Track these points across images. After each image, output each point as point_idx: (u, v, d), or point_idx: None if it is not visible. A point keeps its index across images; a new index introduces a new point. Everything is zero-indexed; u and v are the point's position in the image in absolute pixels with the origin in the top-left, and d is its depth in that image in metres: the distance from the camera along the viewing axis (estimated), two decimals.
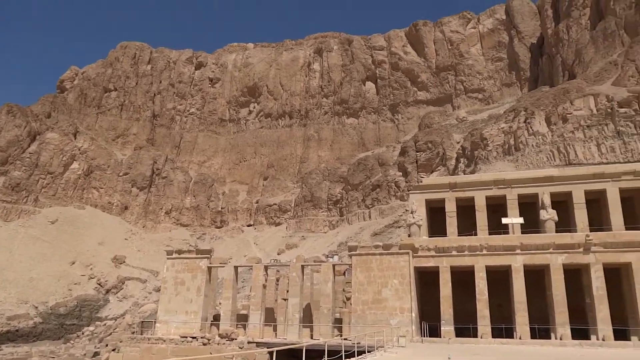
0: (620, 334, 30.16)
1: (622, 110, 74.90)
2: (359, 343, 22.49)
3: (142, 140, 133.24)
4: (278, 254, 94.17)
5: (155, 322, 38.29)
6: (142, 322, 42.17)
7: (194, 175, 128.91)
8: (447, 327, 31.99)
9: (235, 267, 39.41)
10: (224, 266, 39.40)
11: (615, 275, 32.66)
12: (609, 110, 75.92)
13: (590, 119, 76.26)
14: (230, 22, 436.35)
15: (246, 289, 65.06)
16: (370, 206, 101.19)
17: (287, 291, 37.61)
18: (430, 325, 32.76)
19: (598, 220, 33.89)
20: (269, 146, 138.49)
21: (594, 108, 77.44)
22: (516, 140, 79.93)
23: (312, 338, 33.43)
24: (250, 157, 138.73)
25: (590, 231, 32.08)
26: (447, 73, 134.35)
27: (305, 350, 14.19)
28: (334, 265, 36.99)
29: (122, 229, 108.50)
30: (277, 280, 42.56)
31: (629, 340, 29.65)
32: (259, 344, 32.46)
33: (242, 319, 37.93)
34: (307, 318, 36.64)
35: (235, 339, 33.22)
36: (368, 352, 21.31)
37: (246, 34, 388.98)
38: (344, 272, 41.29)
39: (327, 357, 17.11)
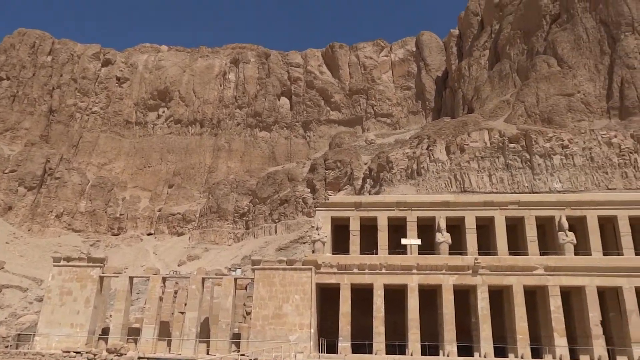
0: (500, 352, 32.59)
1: (512, 145, 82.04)
2: (256, 359, 22.18)
3: (35, 136, 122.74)
4: (179, 266, 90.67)
5: (34, 335, 34.98)
6: (19, 334, 38.30)
7: (91, 178, 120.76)
8: (345, 343, 32.59)
9: (131, 278, 37.30)
10: (117, 276, 37.13)
11: (499, 296, 35.34)
12: (501, 144, 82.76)
13: (484, 151, 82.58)
14: (143, 21, 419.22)
15: (141, 301, 61.71)
16: (277, 221, 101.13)
17: (185, 304, 36.24)
18: (328, 341, 33.18)
19: (486, 244, 36.60)
20: (177, 153, 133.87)
21: (488, 141, 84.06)
22: (419, 165, 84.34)
23: (208, 354, 32.40)
24: (156, 163, 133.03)
25: (479, 255, 34.53)
26: (359, 96, 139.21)
27: None
28: (236, 279, 36.33)
29: (4, 232, 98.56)
30: (176, 292, 40.88)
31: (507, 357, 32.11)
32: None
33: (134, 333, 35.85)
34: (205, 333, 35.52)
35: (125, 354, 31.29)
36: None
37: (159, 35, 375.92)
38: (246, 287, 40.69)
39: None
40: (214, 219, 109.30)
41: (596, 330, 32.19)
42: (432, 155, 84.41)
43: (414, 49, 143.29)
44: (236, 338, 34.49)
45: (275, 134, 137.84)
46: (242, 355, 25.11)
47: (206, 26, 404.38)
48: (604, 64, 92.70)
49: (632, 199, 36.94)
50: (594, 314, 32.46)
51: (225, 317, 33.96)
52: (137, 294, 66.44)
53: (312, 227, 42.73)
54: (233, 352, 31.62)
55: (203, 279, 36.13)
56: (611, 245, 35.81)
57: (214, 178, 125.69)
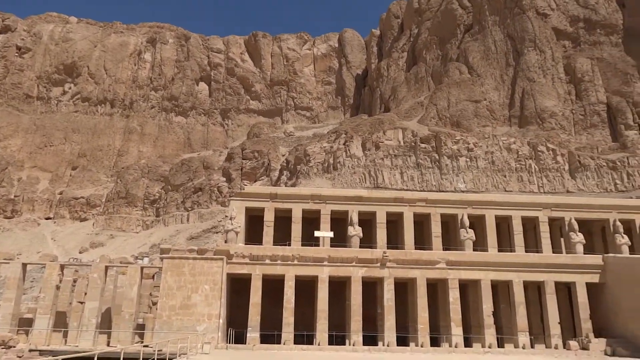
0: (402, 340, 34.26)
1: (423, 145, 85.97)
2: (161, 350, 21.52)
3: None
4: (80, 253, 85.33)
5: None
6: None
7: None
8: (253, 333, 32.54)
9: (24, 265, 34.54)
10: (8, 262, 34.21)
11: (404, 288, 37.07)
12: (413, 144, 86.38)
13: (398, 150, 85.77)
14: None
15: (36, 290, 57.36)
16: (189, 209, 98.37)
17: (86, 294, 34.24)
18: (237, 332, 32.94)
19: (395, 239, 38.20)
20: (83, 133, 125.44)
21: (402, 140, 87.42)
22: (335, 160, 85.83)
23: (108, 345, 30.88)
24: (59, 143, 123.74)
25: (388, 248, 35.95)
26: (280, 87, 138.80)
27: (98, 358, 13.03)
28: (142, 268, 34.91)
29: None
30: (75, 281, 38.48)
31: (408, 345, 33.82)
32: (42, 352, 28.82)
33: (26, 324, 33.27)
34: (106, 324, 33.81)
35: (14, 347, 28.96)
36: (170, 359, 20.49)
37: (68, 5, 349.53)
38: (154, 276, 39.25)
39: None
40: (121, 205, 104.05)
41: (488, 320, 34.83)
42: (349, 150, 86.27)
43: (337, 45, 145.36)
44: (140, 329, 33.21)
45: (192, 120, 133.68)
46: (146, 346, 24.21)
47: (121, 0, 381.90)
48: (509, 75, 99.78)
49: (525, 201, 40.30)
50: (487, 306, 35.08)
51: (129, 308, 32.55)
52: (32, 282, 61.72)
53: (226, 216, 42.09)
54: (136, 343, 30.40)
55: (106, 267, 34.33)
56: (505, 242, 38.85)
57: (123, 162, 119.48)
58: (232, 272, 33.84)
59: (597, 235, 41.01)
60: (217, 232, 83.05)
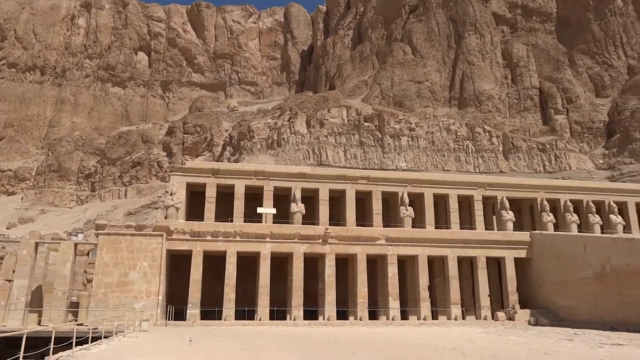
0: (342, 314, 35.14)
1: (367, 124, 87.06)
2: (96, 329, 20.91)
3: None
4: (7, 229, 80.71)
5: None
6: None
7: None
8: (194, 310, 32.27)
9: None
10: None
11: (344, 264, 37.85)
12: (357, 122, 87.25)
13: (342, 128, 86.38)
14: None
15: None
16: (127, 184, 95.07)
17: (14, 271, 32.54)
18: (177, 309, 32.54)
19: (337, 216, 38.75)
20: (10, 102, 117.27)
21: (346, 118, 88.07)
22: (279, 136, 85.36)
23: (40, 324, 29.64)
24: None
25: (330, 225, 36.45)
26: (224, 61, 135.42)
27: (28, 338, 12.48)
28: (76, 244, 33.53)
29: None
30: (2, 258, 36.42)
31: (347, 319, 34.75)
32: None
33: None
34: (37, 302, 32.35)
35: None
36: (105, 337, 19.97)
37: None
38: (88, 253, 37.82)
39: (58, 345, 15.42)
40: (53, 179, 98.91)
41: (424, 294, 36.34)
42: (293, 127, 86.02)
43: (282, 20, 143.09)
44: (74, 307, 32.05)
45: (130, 91, 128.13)
46: (80, 324, 23.44)
47: None
48: (450, 58, 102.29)
49: (462, 180, 41.94)
50: (423, 280, 36.55)
51: (62, 285, 31.28)
52: None
53: (166, 192, 41.02)
54: (70, 322, 29.36)
55: (37, 244, 32.69)
56: (442, 219, 40.40)
57: (55, 133, 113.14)
58: (172, 248, 33.21)
59: (526, 213, 43.46)
60: (156, 208, 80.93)
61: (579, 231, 40.00)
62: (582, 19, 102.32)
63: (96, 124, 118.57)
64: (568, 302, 34.66)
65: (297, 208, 36.33)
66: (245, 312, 33.71)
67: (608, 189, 44.28)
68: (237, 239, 34.21)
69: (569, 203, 41.20)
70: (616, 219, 41.17)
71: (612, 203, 41.96)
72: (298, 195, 36.68)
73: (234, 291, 33.27)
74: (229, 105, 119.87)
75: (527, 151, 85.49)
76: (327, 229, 35.50)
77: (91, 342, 18.20)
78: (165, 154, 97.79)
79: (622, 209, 42.57)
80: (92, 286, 31.36)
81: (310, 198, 38.53)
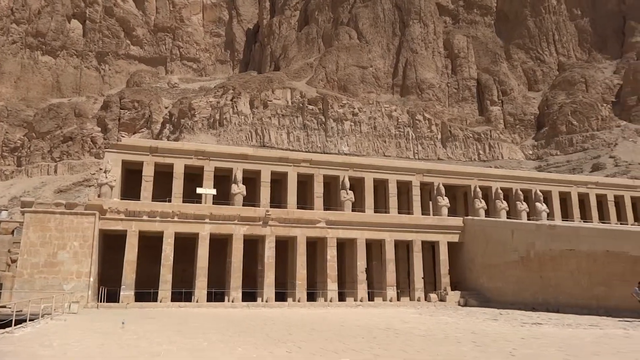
0: (281, 296, 35.38)
1: (310, 107, 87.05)
2: (20, 311, 19.85)
3: None
4: None
5: None
6: None
7: None
8: (128, 292, 31.37)
9: None
10: None
11: (284, 246, 38.00)
12: (301, 105, 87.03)
13: (286, 110, 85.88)
14: None
15: None
16: (58, 159, 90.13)
17: None
18: (111, 290, 31.48)
19: (278, 198, 38.72)
20: None
21: (290, 100, 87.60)
22: (222, 116, 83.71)
23: None
24: None
25: (271, 207, 36.37)
26: (165, 34, 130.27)
27: None
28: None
29: None
30: None
31: (286, 301, 35.04)
32: None
33: None
34: None
35: None
36: (31, 320, 19.01)
37: None
38: (13, 231, 35.67)
39: None
40: None
41: (361, 276, 37.22)
42: (236, 107, 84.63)
43: None
44: None
45: (62, 61, 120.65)
46: (2, 307, 22.18)
47: None
48: (394, 45, 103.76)
49: (401, 166, 43.02)
50: (361, 263, 37.40)
51: None
52: None
53: (100, 169, 39.26)
54: None
55: None
56: (381, 204, 41.34)
57: None
58: (106, 228, 31.99)
59: (460, 199, 45.32)
60: (89, 186, 77.41)
61: (507, 218, 42.21)
62: (519, 15, 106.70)
63: (23, 95, 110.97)
64: (495, 284, 36.67)
65: (238, 189, 35.94)
66: (182, 294, 33.17)
67: (535, 178, 46.93)
68: (175, 219, 33.43)
69: (499, 191, 43.32)
70: (541, 206, 43.77)
71: (538, 192, 44.54)
72: (239, 176, 36.25)
73: (170, 272, 32.61)
74: (170, 81, 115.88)
75: (463, 140, 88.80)
76: (267, 211, 35.41)
77: (15, 325, 17.28)
78: (99, 129, 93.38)
79: (547, 198, 45.33)
80: (16, 267, 29.67)
81: (251, 179, 38.21)
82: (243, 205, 35.85)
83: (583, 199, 47.21)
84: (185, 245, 35.53)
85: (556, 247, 31.42)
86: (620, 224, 45.54)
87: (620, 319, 23.63)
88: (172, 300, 32.31)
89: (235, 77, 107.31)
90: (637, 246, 26.11)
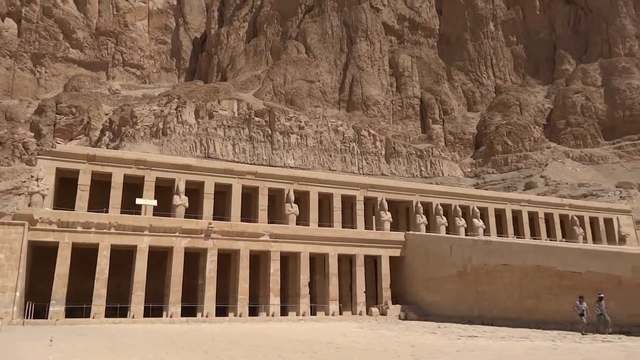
0: (222, 311, 34.63)
1: (257, 119, 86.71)
2: None
3: None
4: None
5: None
6: None
7: None
8: (58, 307, 29.65)
9: None
10: None
11: (227, 259, 37.33)
12: (247, 116, 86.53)
13: (232, 121, 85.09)
14: None
15: None
16: None
17: None
18: (40, 306, 29.63)
19: (222, 210, 38.09)
20: None
21: (236, 112, 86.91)
22: (165, 125, 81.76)
23: None
24: None
25: (214, 220, 35.70)
26: (107, 39, 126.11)
27: None
28: None
29: None
30: None
31: (227, 316, 34.34)
32: None
33: None
34: None
35: None
36: None
37: None
38: None
39: None
40: None
41: (304, 290, 37.13)
42: (181, 116, 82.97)
43: (175, 3, 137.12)
44: None
45: None
46: None
47: None
48: (342, 61, 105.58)
49: (346, 181, 43.56)
50: (304, 277, 37.33)
51: None
52: None
53: (32, 177, 37.15)
54: None
55: None
56: (326, 218, 41.60)
57: None
58: (36, 239, 30.19)
59: (402, 214, 46.38)
60: (19, 194, 73.00)
61: (447, 233, 43.60)
62: (460, 39, 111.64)
63: None
64: (434, 298, 37.63)
65: (180, 201, 35.06)
66: (117, 309, 31.77)
67: (473, 195, 48.86)
68: (112, 231, 32.08)
69: (439, 207, 44.71)
70: (478, 222, 45.56)
71: (475, 208, 46.37)
72: (182, 187, 35.40)
73: (105, 287, 31.17)
74: (111, 87, 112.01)
75: (406, 156, 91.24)
76: (210, 223, 34.73)
77: None
78: (32, 134, 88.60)
79: (484, 214, 47.24)
80: None
81: (194, 191, 37.41)
82: (185, 217, 34.98)
83: (516, 216, 49.56)
84: (122, 258, 34.13)
85: (491, 262, 32.72)
86: (550, 240, 48.13)
87: (550, 331, 24.87)
88: (106, 316, 30.87)
89: (180, 85, 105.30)
90: (564, 261, 27.65)
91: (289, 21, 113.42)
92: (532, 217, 50.39)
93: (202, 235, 34.52)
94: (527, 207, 50.09)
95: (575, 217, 51.77)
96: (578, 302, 23.76)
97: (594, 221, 53.49)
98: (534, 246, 31.53)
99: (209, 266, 34.33)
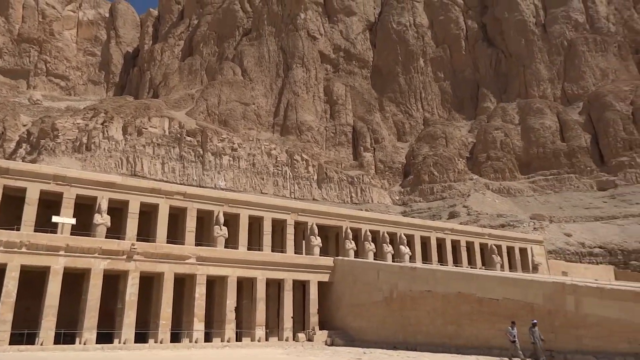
0: (141, 337, 32.86)
1: (189, 138, 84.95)
2: None
3: None
4: None
5: None
6: None
7: None
8: None
9: None
10: None
11: (149, 283, 35.68)
12: (179, 135, 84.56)
13: (162, 139, 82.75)
14: None
15: None
16: None
17: None
18: None
19: (147, 231, 36.52)
20: None
21: (167, 130, 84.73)
22: (90, 140, 78.03)
23: None
24: None
25: (138, 240, 34.12)
26: (30, 46, 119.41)
27: None
28: None
29: None
30: None
31: (147, 342, 32.63)
32: None
33: None
34: None
35: None
36: None
37: None
38: None
39: None
40: None
41: (230, 315, 36.16)
42: (107, 132, 79.59)
43: (107, 15, 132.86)
44: None
45: None
46: None
47: None
48: (277, 85, 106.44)
49: (277, 204, 43.38)
50: (231, 301, 36.40)
51: None
52: None
53: None
54: None
55: None
56: (255, 241, 41.05)
57: None
58: None
59: (332, 239, 46.75)
60: None
61: (374, 259, 44.39)
62: (392, 71, 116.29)
63: None
64: (360, 324, 37.94)
65: (102, 220, 33.26)
66: (25, 335, 29.27)
67: (400, 222, 50.28)
68: (23, 250, 29.75)
69: (368, 233, 45.57)
70: (405, 249, 46.85)
71: (402, 235, 47.70)
72: (104, 206, 33.64)
73: (11, 311, 28.66)
74: (32, 97, 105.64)
75: (338, 182, 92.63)
76: (133, 244, 33.15)
77: None
78: None
79: (410, 241, 48.67)
80: None
81: (118, 210, 35.69)
82: (106, 237, 33.18)
83: (440, 244, 51.49)
84: (32, 279, 31.67)
85: (416, 288, 33.62)
86: (471, 267, 50.33)
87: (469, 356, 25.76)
88: (12, 343, 28.34)
89: (108, 100, 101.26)
90: (483, 289, 28.96)
91: (225, 42, 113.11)
92: (455, 245, 52.55)
93: (124, 257, 32.84)
94: (451, 235, 52.23)
95: (494, 246, 54.58)
96: (510, 328, 24.07)
97: (510, 250, 56.64)
98: (455, 273, 32.79)
99: (129, 290, 32.62)
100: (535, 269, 56.04)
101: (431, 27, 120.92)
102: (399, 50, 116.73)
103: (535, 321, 23.53)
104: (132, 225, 34.65)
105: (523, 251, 57.51)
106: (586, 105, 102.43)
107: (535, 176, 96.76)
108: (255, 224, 41.52)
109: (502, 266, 53.64)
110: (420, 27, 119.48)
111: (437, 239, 51.10)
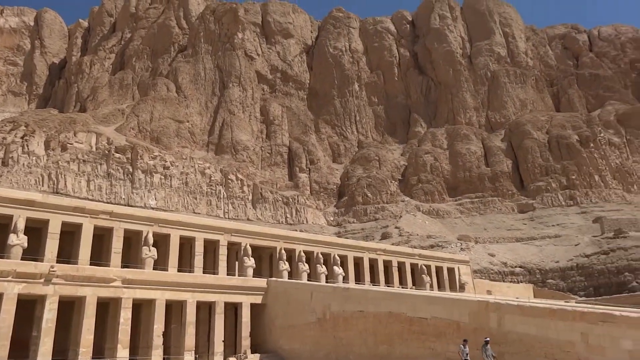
0: None
1: (118, 155, 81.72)
2: None
3: None
4: None
5: None
6: None
7: None
8: None
9: None
10: None
11: (70, 308, 33.47)
12: (107, 152, 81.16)
13: (88, 155, 79.03)
14: None
15: None
16: None
17: None
18: None
19: (69, 252, 34.37)
20: None
21: (94, 146, 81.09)
22: (7, 154, 73.07)
23: None
24: None
25: (59, 262, 32.03)
26: None
27: None
28: None
29: None
30: None
31: None
32: None
33: None
34: None
35: None
36: None
37: None
38: None
39: None
40: None
41: (157, 340, 34.56)
42: (27, 146, 74.95)
43: (32, 24, 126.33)
44: None
45: None
46: None
47: None
48: (213, 104, 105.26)
49: (210, 224, 42.42)
50: (158, 326, 34.84)
51: None
52: None
53: None
54: None
55: None
56: (186, 263, 39.77)
57: None
58: None
59: (265, 260, 46.21)
60: None
61: (308, 280, 44.32)
62: (328, 94, 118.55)
63: None
64: (293, 346, 37.54)
65: (18, 240, 30.95)
66: None
67: (334, 243, 50.68)
68: None
69: (302, 253, 45.51)
70: (338, 270, 47.16)
71: (336, 256, 48.06)
72: (21, 225, 31.36)
73: None
74: None
75: (273, 202, 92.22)
76: (52, 266, 31.06)
77: None
78: None
79: (344, 262, 49.10)
80: None
81: (37, 230, 33.39)
82: (22, 259, 30.88)
83: (373, 264, 52.34)
84: None
85: (349, 309, 33.84)
86: (402, 287, 51.47)
87: None
88: None
89: (30, 112, 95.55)
90: (412, 308, 29.65)
91: (160, 58, 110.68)
92: (387, 265, 53.62)
93: (42, 280, 30.65)
94: (383, 255, 53.26)
95: (424, 266, 56.23)
96: (462, 346, 24.03)
97: (439, 270, 58.58)
98: (387, 293, 33.38)
99: (46, 315, 30.40)
100: (462, 288, 58.24)
101: (366, 53, 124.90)
102: (335, 74, 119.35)
103: (487, 339, 23.60)
104: (52, 246, 32.51)
105: (451, 271, 59.64)
106: (507, 133, 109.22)
107: (462, 199, 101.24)
108: (186, 244, 40.29)
109: (431, 286, 55.29)
110: (356, 53, 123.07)
111: (370, 260, 51.90)
